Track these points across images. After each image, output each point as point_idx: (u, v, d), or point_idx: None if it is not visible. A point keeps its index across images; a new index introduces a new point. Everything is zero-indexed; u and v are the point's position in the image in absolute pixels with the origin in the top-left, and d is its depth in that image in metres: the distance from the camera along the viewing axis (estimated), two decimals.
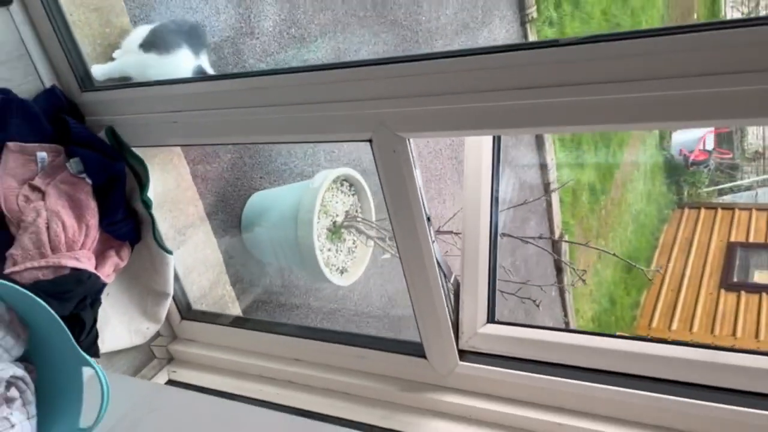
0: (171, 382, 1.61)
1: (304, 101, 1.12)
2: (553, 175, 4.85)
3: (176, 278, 1.63)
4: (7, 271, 1.24)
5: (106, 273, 1.41)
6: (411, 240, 1.17)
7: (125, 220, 1.44)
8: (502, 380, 1.23)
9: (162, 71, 1.45)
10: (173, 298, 1.62)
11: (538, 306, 2.07)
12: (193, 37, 1.52)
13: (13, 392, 1.06)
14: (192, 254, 1.74)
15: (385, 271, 2.77)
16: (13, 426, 1.03)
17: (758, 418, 1.01)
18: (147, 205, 1.44)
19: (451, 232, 1.79)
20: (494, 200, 1.20)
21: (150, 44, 1.46)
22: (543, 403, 1.20)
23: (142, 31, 1.53)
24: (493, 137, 1.17)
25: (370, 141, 1.11)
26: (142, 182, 1.43)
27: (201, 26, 1.66)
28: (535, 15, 4.36)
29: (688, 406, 1.06)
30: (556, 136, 5.00)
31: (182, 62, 1.46)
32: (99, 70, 1.49)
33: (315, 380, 1.43)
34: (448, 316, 1.25)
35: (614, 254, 5.32)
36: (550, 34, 4.74)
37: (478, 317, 1.27)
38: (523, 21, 4.30)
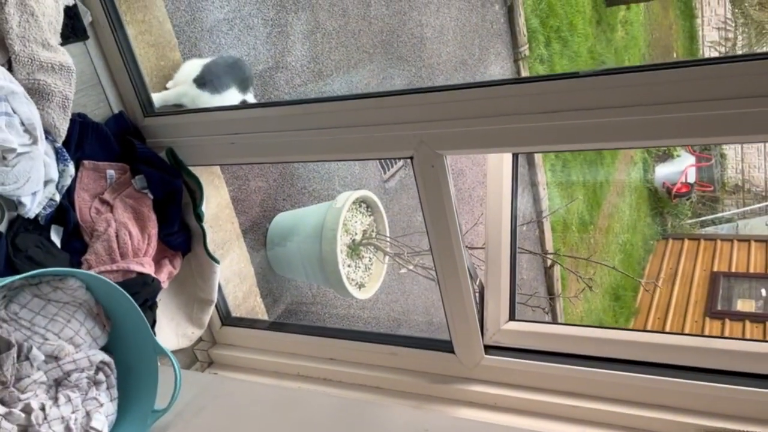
0: None
1: (352, 124, 1.30)
2: (545, 203, 5.07)
3: (219, 287, 1.78)
4: None
5: (162, 279, 1.57)
6: (446, 246, 1.34)
7: (180, 232, 1.60)
8: (523, 371, 1.39)
9: (212, 103, 1.63)
10: (215, 305, 1.76)
11: (546, 312, 2.23)
12: (241, 77, 1.70)
13: (101, 376, 1.21)
14: (229, 267, 1.90)
15: (396, 287, 2.93)
16: (101, 405, 1.18)
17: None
18: (199, 218, 1.60)
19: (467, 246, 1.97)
20: (513, 214, 1.38)
21: (203, 81, 1.64)
22: (560, 390, 1.36)
23: (191, 66, 1.72)
24: (513, 159, 1.35)
25: (411, 158, 1.29)
26: (196, 198, 1.59)
27: (248, 67, 1.85)
28: (527, 53, 4.62)
29: (683, 386, 1.23)
30: (549, 170, 5.24)
31: (230, 100, 1.64)
32: (155, 98, 1.67)
33: (349, 377, 1.58)
34: (476, 315, 1.42)
35: (614, 267, 5.50)
36: (540, 70, 5.01)
37: (501, 316, 1.44)
38: (516, 58, 4.56)
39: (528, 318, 1.56)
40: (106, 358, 1.21)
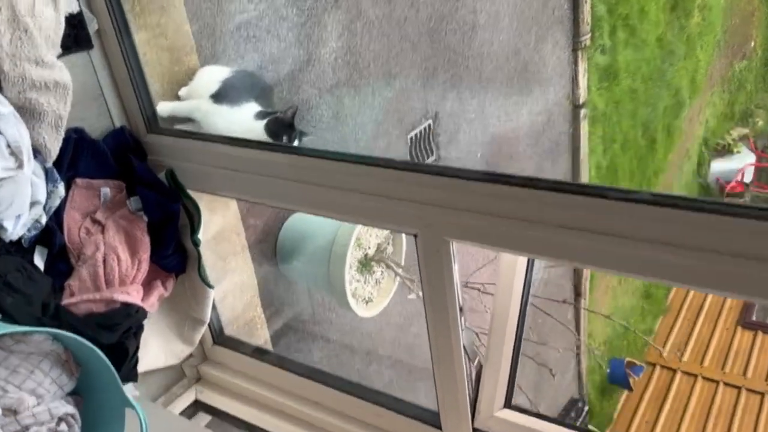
0: (197, 402, 1.72)
1: (353, 188, 1.18)
2: None
3: (213, 305, 1.72)
4: (64, 302, 1.34)
5: (151, 302, 1.51)
6: (442, 327, 1.23)
7: (174, 254, 1.53)
8: None
9: (228, 120, 1.52)
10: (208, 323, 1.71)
11: (553, 376, 2.13)
12: (262, 95, 1.59)
13: (63, 427, 1.16)
14: (230, 278, 1.83)
15: (407, 313, 2.85)
16: None
17: None
18: (195, 243, 1.52)
19: (478, 289, 1.86)
20: (522, 311, 1.26)
21: (221, 97, 1.53)
22: None
23: (209, 76, 1.60)
24: (528, 263, 1.22)
25: (415, 236, 1.17)
26: (194, 222, 1.51)
27: (269, 85, 1.73)
28: (588, 42, 4.33)
29: None
30: (593, 161, 5.00)
31: (249, 115, 1.53)
32: (165, 108, 1.57)
33: (332, 427, 1.52)
34: (467, 396, 1.32)
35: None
36: (600, 61, 4.71)
37: (495, 401, 1.34)
38: (576, 47, 4.28)
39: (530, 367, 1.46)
40: (70, 409, 1.16)
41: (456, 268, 1.19)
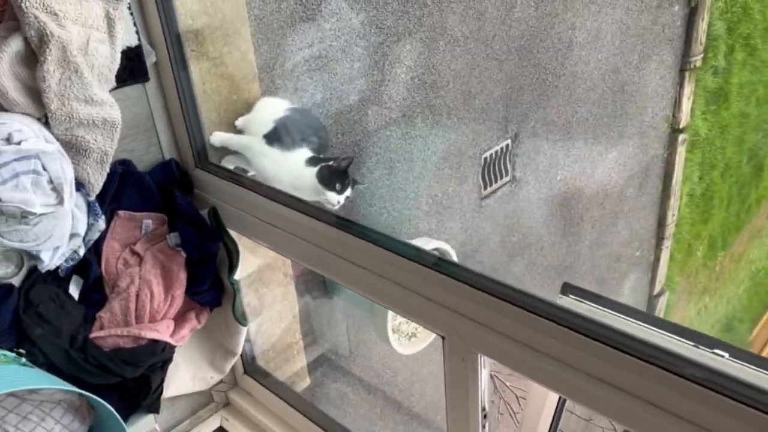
0: (221, 430, 1.72)
1: (392, 279, 1.10)
2: (670, 231, 4.55)
3: (247, 338, 1.70)
4: (93, 335, 1.34)
5: (182, 335, 1.50)
6: (461, 430, 1.15)
7: (210, 290, 1.51)
8: None
9: (278, 164, 1.47)
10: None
11: None
12: (315, 137, 1.52)
13: None
14: (270, 310, 1.80)
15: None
16: None
17: None
18: (232, 283, 1.49)
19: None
20: None
21: (274, 138, 1.48)
22: None
23: (267, 111, 1.55)
24: (559, 400, 1.11)
25: (443, 338, 1.08)
26: (233, 261, 1.48)
27: (323, 126, 1.66)
28: (699, 63, 3.99)
29: None
30: (686, 188, 4.66)
31: (300, 160, 1.48)
32: (218, 138, 1.53)
33: None
34: None
35: None
36: (711, 84, 4.34)
37: None
38: (684, 68, 3.95)
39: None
40: None
41: (484, 376, 1.09)
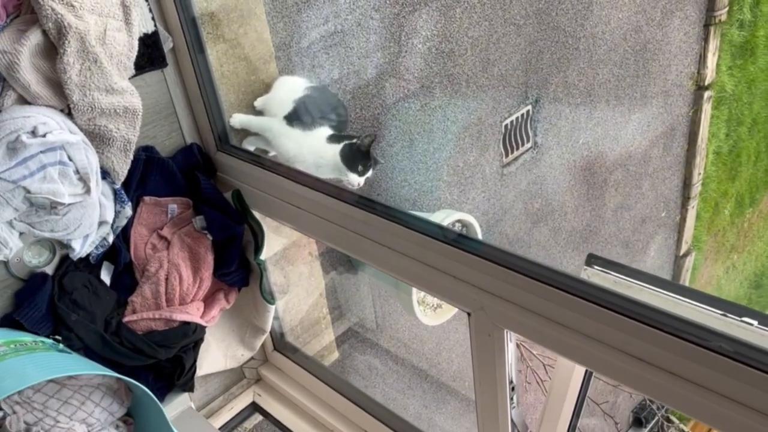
0: (254, 405, 1.76)
1: (416, 258, 1.11)
2: (696, 190, 4.48)
3: (275, 316, 1.73)
4: (126, 319, 1.38)
5: (212, 315, 1.53)
6: (489, 404, 1.17)
7: (237, 271, 1.53)
8: None
9: (299, 144, 1.47)
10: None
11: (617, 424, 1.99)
12: (335, 114, 1.52)
13: None
14: (297, 283, 1.83)
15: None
16: None
17: None
18: (258, 263, 1.51)
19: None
20: (577, 413, 1.16)
21: (294, 119, 1.48)
22: None
23: (285, 89, 1.55)
24: (585, 373, 1.11)
25: (468, 314, 1.09)
26: (258, 242, 1.49)
27: (343, 104, 1.65)
28: (724, 17, 3.87)
29: None
30: (712, 146, 4.57)
31: (321, 138, 1.47)
32: (238, 120, 1.53)
33: None
34: None
35: None
36: (737, 38, 4.21)
37: None
38: (709, 22, 3.83)
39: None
40: None
41: (510, 350, 1.10)
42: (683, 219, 4.59)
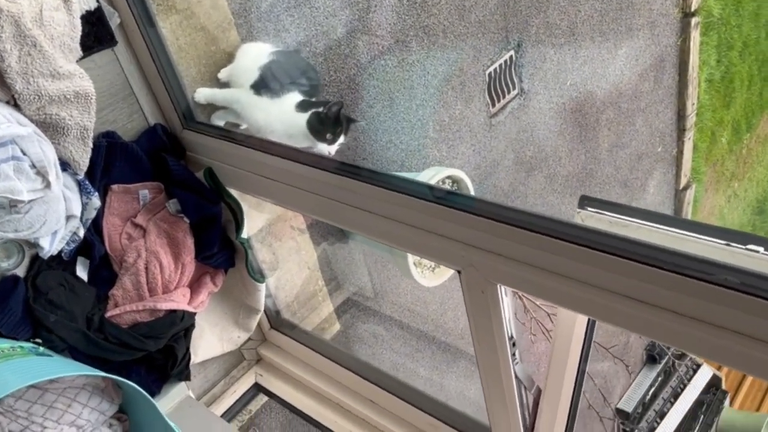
0: (257, 386, 1.72)
1: (400, 220, 1.05)
2: (691, 121, 4.39)
3: (268, 293, 1.68)
4: (108, 314, 1.32)
5: (200, 301, 1.47)
6: (491, 362, 1.12)
7: (221, 252, 1.47)
8: None
9: (268, 113, 1.40)
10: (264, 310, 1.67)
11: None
12: (304, 78, 1.44)
13: None
14: (286, 259, 1.77)
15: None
16: None
17: None
18: (241, 242, 1.45)
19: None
20: (581, 372, 1.11)
21: (261, 86, 1.40)
22: None
23: (250, 56, 1.46)
24: (588, 322, 1.06)
25: (459, 272, 1.03)
26: (238, 221, 1.43)
27: (312, 66, 1.56)
28: None
29: None
30: (704, 74, 4.46)
31: (291, 106, 1.40)
32: (202, 94, 1.46)
33: (385, 429, 1.47)
34: (521, 422, 1.22)
35: None
36: None
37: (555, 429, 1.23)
38: None
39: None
40: None
41: (507, 305, 1.05)
42: (680, 152, 4.51)
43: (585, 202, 1.16)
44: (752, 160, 6.15)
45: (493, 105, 2.83)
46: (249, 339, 1.73)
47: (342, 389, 1.58)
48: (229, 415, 1.66)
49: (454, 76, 2.53)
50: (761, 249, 0.94)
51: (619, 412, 4.55)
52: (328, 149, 1.40)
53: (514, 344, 1.11)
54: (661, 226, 1.03)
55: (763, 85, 5.66)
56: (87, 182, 1.27)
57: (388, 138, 2.29)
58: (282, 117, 1.40)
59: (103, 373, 1.09)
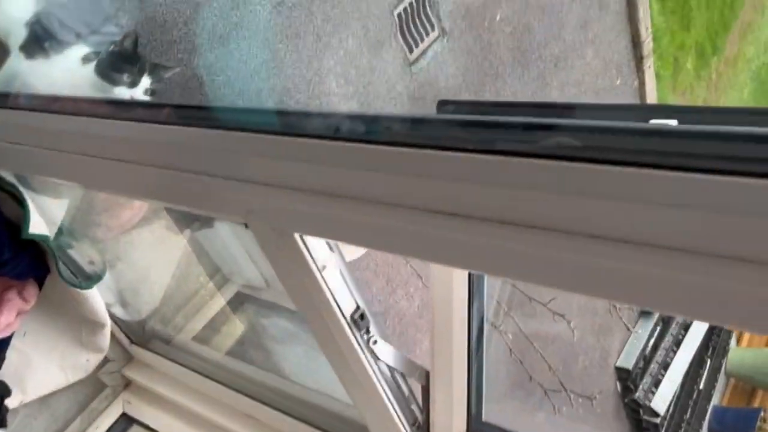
0: (126, 417, 1.39)
1: (171, 166, 0.71)
2: (648, 47, 4.05)
3: (121, 299, 1.34)
4: None
5: (7, 321, 1.14)
6: (329, 342, 0.79)
7: (16, 257, 1.14)
8: None
9: (49, 76, 1.06)
10: (115, 323, 1.34)
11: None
12: (99, 25, 1.10)
13: None
14: (129, 253, 1.42)
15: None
16: None
17: None
18: (43, 240, 1.11)
19: None
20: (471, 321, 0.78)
21: (33, 47, 1.06)
22: None
23: (11, 10, 1.11)
24: None
25: (246, 226, 0.70)
26: (26, 212, 1.09)
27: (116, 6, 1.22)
28: None
29: None
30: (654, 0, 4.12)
31: (75, 61, 1.06)
32: None
33: None
34: (404, 421, 0.89)
35: None
36: None
37: (454, 423, 0.90)
38: None
39: None
40: None
41: (334, 262, 0.71)
42: (642, 83, 4.17)
43: (442, 107, 0.85)
44: (724, 84, 5.83)
45: (411, 51, 2.48)
46: (106, 361, 1.39)
47: (218, 407, 1.25)
48: None
49: (353, 19, 2.18)
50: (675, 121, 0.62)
51: (619, 370, 4.26)
52: (129, 92, 1.06)
53: (362, 317, 0.78)
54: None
55: (722, 2, 5.34)
56: None
57: (279, 99, 1.95)
58: (66, 77, 1.06)
59: None
